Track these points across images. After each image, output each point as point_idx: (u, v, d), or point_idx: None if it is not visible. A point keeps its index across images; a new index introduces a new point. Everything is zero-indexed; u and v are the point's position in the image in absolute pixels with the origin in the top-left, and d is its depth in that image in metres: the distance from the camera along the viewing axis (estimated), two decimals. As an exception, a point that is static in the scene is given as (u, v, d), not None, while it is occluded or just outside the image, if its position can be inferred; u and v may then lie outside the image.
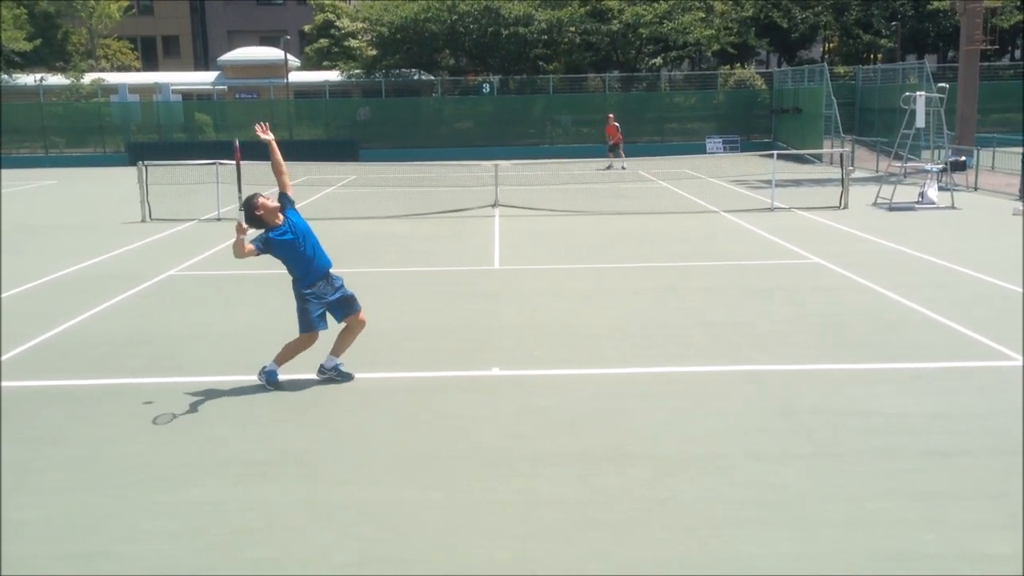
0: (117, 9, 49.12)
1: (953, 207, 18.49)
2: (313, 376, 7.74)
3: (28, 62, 44.67)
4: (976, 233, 15.28)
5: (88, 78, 43.80)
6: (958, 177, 21.85)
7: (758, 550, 4.64)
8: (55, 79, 43.75)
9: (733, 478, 5.53)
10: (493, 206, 19.73)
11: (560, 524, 4.98)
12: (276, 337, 9.07)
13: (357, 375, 7.79)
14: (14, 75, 43.66)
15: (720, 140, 38.34)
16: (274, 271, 12.76)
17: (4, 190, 26.79)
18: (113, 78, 45.28)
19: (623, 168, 29.97)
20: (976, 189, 21.78)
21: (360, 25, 43.96)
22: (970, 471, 5.57)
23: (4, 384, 7.68)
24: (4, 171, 34.63)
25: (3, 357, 8.45)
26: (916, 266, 12.42)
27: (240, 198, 7.60)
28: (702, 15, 39.59)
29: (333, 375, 7.58)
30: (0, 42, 40.49)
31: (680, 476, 5.57)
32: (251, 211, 7.29)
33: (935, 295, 10.40)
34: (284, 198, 7.60)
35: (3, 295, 11.27)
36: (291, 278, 7.50)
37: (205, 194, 20.58)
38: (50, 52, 46.59)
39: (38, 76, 43.30)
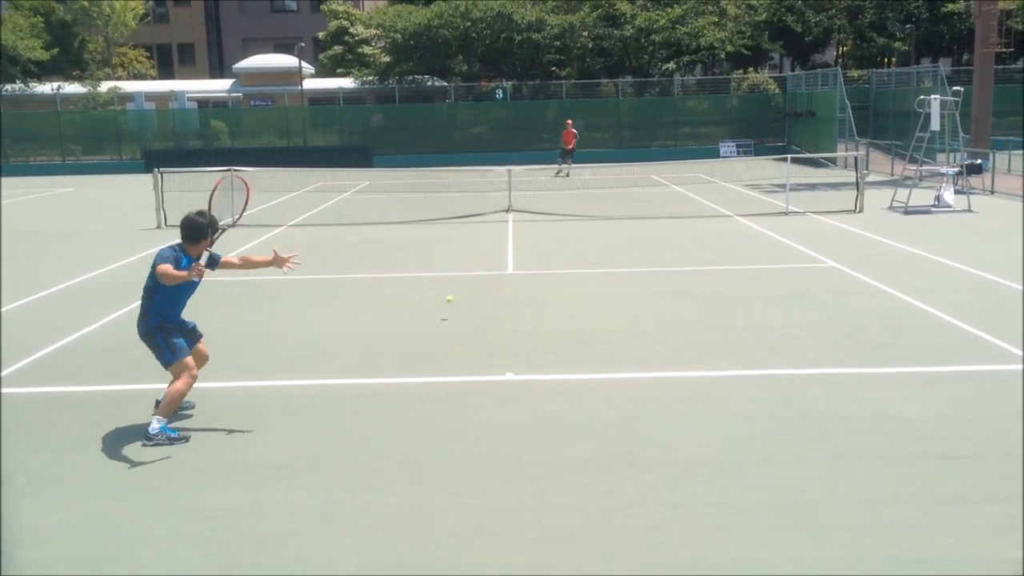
0: (133, 17, 49.52)
1: (969, 210, 18.39)
2: (326, 381, 7.78)
3: (45, 71, 45.06)
4: (993, 236, 15.19)
5: (104, 86, 44.13)
6: (974, 180, 21.74)
7: (772, 555, 4.63)
8: (72, 87, 44.11)
9: (747, 483, 5.51)
10: (506, 211, 19.75)
11: (574, 529, 4.98)
12: (288, 342, 9.13)
13: (371, 380, 7.82)
14: (31, 84, 44.04)
15: (734, 144, 38.27)
16: (286, 278, 12.84)
17: (22, 197, 27.01)
18: (129, 86, 45.59)
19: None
20: (992, 192, 21.66)
21: (373, 32, 44.11)
22: (985, 475, 5.54)
23: (21, 391, 7.75)
24: (22, 179, 34.91)
25: (20, 364, 8.51)
26: (932, 269, 12.36)
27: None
28: (715, 19, 39.54)
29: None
30: (1, 49, 40.83)
31: (694, 481, 5.57)
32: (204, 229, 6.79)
33: (951, 298, 10.35)
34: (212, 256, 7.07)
35: (21, 302, 11.37)
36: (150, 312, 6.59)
37: (219, 200, 20.66)
38: (67, 61, 47.00)
39: (55, 85, 43.65)
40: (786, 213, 18.67)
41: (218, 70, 63.12)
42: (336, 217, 19.92)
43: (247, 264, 7.25)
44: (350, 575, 4.57)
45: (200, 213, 6.83)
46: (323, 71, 50.23)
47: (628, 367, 8.09)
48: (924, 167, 20.75)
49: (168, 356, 6.50)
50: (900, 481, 5.48)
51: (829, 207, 19.42)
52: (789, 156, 22.41)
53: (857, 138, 30.08)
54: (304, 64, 45.22)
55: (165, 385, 7.74)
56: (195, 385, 7.77)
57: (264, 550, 4.83)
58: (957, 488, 5.38)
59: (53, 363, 8.58)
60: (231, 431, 6.64)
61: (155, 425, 6.36)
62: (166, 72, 61.51)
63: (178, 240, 6.77)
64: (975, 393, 7.10)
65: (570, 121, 31.64)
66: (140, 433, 6.59)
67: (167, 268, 6.38)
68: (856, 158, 21.40)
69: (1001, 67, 34.82)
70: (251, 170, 23.62)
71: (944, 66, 34.95)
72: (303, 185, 28.13)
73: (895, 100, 33.08)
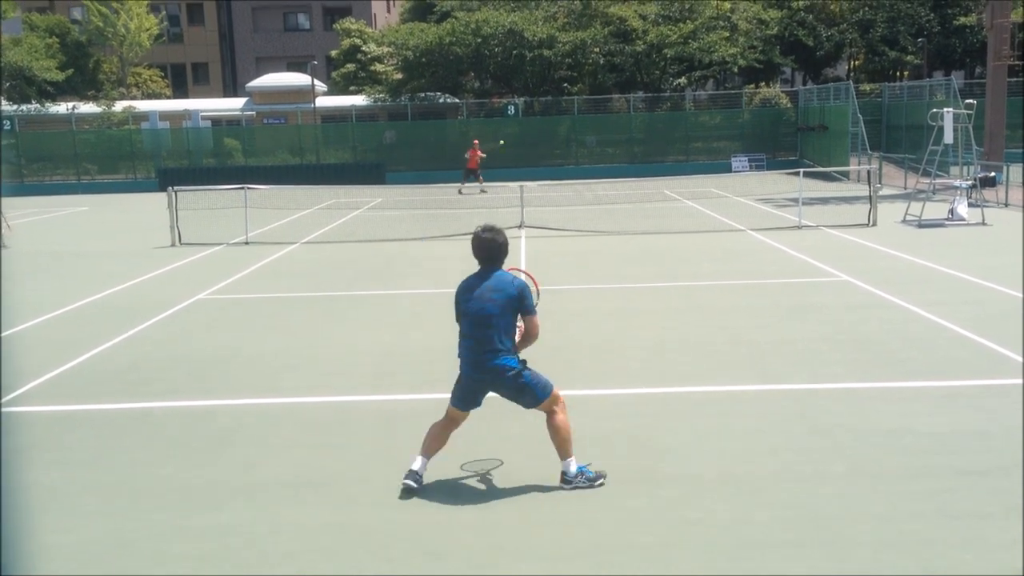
0: (147, 38, 49.95)
1: (983, 223, 18.30)
2: (340, 398, 7.79)
3: (61, 91, 45.46)
4: (1007, 249, 15.09)
5: (119, 106, 44.49)
6: (988, 193, 21.64)
7: (792, 572, 4.59)
8: (87, 107, 44.48)
9: (765, 498, 5.47)
10: (519, 227, 19.77)
11: (592, 546, 4.95)
12: (301, 359, 9.13)
13: (383, 396, 7.82)
14: (47, 104, 44.41)
15: (746, 158, 38.23)
16: (298, 295, 12.88)
17: (38, 217, 27.24)
18: (144, 105, 45.96)
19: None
20: (1007, 205, 21.56)
21: (386, 49, 44.37)
22: (1004, 490, 5.48)
23: (37, 409, 7.78)
24: (37, 198, 35.20)
25: (37, 382, 8.56)
26: (947, 283, 12.29)
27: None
28: (726, 34, 39.62)
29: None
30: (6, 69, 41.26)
31: (712, 497, 5.53)
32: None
33: (966, 312, 10.28)
34: None
35: (37, 321, 11.44)
36: (506, 346, 5.72)
37: (234, 218, 20.80)
38: (82, 81, 47.42)
39: (71, 105, 44.02)
40: (799, 227, 18.62)
41: (231, 89, 63.58)
42: (349, 234, 19.98)
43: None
44: (366, 593, 4.56)
45: (492, 229, 5.84)
46: (336, 89, 50.57)
47: (644, 382, 8.06)
48: (937, 180, 20.68)
49: (540, 393, 5.71)
50: (919, 496, 5.43)
51: (842, 221, 19.36)
52: (802, 170, 22.37)
53: (870, 152, 30.02)
54: (317, 82, 45.50)
55: (185, 402, 7.79)
56: (209, 402, 7.82)
57: (280, 568, 4.82)
58: (976, 503, 5.32)
59: (69, 381, 8.61)
60: (246, 448, 6.64)
61: (574, 468, 5.73)
62: (180, 91, 61.99)
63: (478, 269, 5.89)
64: (993, 407, 7.04)
65: (476, 141, 31.88)
66: (153, 450, 6.60)
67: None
68: (869, 172, 21.35)
69: (1015, 79, 34.71)
70: (264, 188, 23.81)
71: (957, 79, 34.87)
72: (316, 202, 28.25)
73: (908, 113, 33.02)
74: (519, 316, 5.74)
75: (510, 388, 5.71)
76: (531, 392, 5.70)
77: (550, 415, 5.75)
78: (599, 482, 5.74)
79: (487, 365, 5.67)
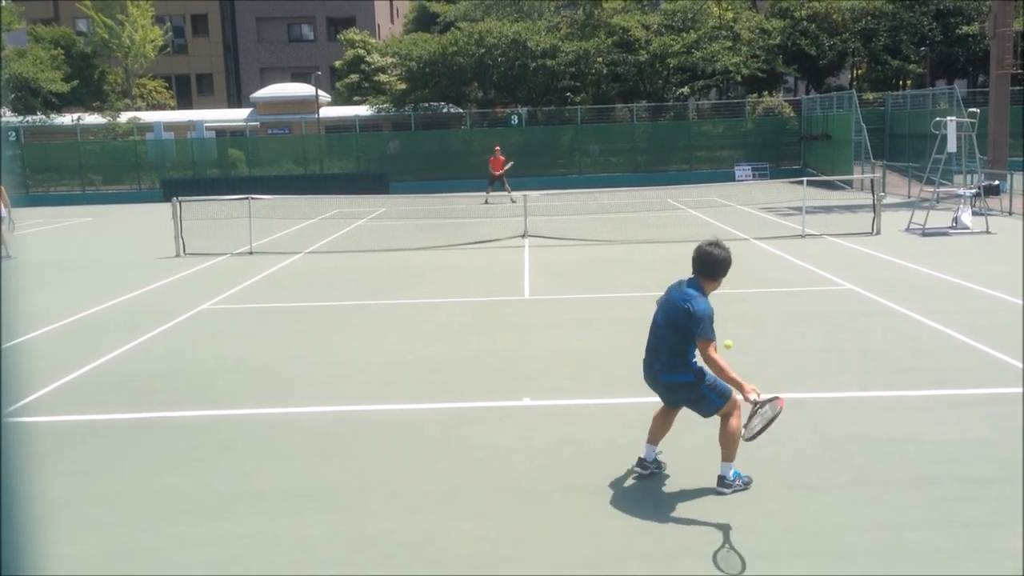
0: (152, 49, 50.15)
1: (988, 232, 18.28)
2: (342, 408, 7.79)
3: (66, 102, 45.62)
4: (1012, 257, 15.06)
5: (124, 117, 44.61)
6: (992, 202, 21.60)
7: (795, 581, 4.57)
8: (92, 118, 44.62)
9: (770, 508, 5.46)
10: (523, 236, 19.78)
11: (596, 555, 4.93)
12: (304, 369, 9.13)
13: (385, 406, 7.81)
14: (52, 115, 44.58)
15: (749, 167, 38.23)
16: (301, 304, 12.89)
17: (42, 227, 27.30)
18: (149, 116, 46.09)
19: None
20: (1011, 213, 21.53)
21: (390, 60, 44.51)
22: (1011, 498, 5.46)
23: (42, 419, 7.79)
24: (42, 208, 35.28)
25: (41, 392, 8.56)
26: (952, 291, 12.27)
27: None
28: (729, 44, 39.70)
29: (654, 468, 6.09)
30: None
31: (716, 506, 5.51)
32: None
33: (972, 321, 10.26)
34: None
35: (42, 331, 11.46)
36: (676, 362, 5.72)
37: (238, 228, 20.82)
38: (87, 92, 47.58)
39: (76, 116, 44.17)
40: (803, 236, 18.61)
41: (236, 99, 63.74)
42: (353, 244, 19.99)
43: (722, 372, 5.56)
44: (369, 602, 4.54)
45: (718, 244, 5.73)
46: (340, 99, 50.67)
47: (647, 391, 8.01)
48: (941, 189, 20.65)
49: (718, 400, 5.68)
50: (925, 505, 5.41)
51: (846, 229, 19.34)
52: (805, 179, 22.35)
53: (873, 160, 30.00)
54: (321, 92, 45.60)
55: (188, 412, 7.79)
56: (212, 412, 7.82)
57: (283, 577, 4.82)
58: (981, 511, 5.30)
59: (73, 391, 8.62)
60: (248, 458, 6.64)
61: (731, 473, 5.76)
62: (185, 102, 62.17)
63: (688, 276, 5.79)
64: (999, 416, 7.01)
65: (497, 148, 31.86)
66: (157, 461, 6.60)
67: (725, 365, 5.43)
68: (872, 180, 21.32)
69: (1017, 88, 34.71)
70: (268, 198, 23.85)
71: (960, 88, 34.81)
72: (320, 212, 28.29)
73: (911, 122, 33.01)
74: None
75: (687, 401, 5.82)
76: (709, 401, 5.72)
77: (725, 419, 5.74)
78: (750, 485, 5.77)
79: (659, 379, 5.80)
